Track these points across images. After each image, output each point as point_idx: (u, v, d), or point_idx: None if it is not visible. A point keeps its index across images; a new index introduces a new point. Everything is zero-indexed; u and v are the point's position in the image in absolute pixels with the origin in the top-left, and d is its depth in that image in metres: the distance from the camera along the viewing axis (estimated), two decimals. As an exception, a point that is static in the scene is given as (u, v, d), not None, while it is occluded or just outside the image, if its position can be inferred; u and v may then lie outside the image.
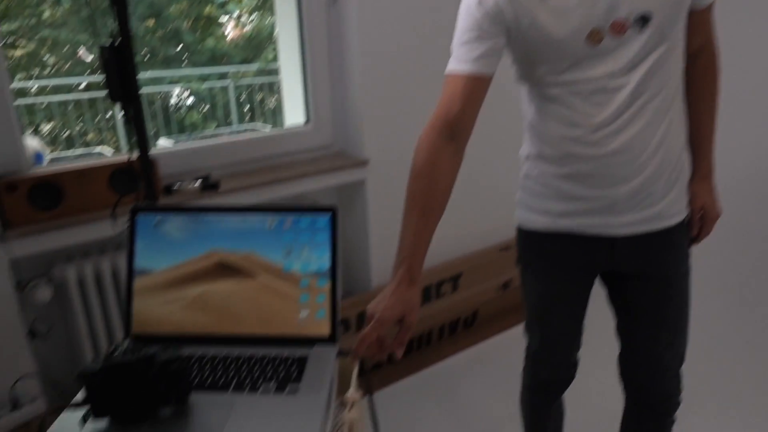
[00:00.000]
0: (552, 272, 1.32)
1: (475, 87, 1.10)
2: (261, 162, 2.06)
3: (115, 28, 1.26)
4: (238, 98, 5.96)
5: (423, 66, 2.17)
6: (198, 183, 1.79)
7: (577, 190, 1.21)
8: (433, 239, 1.06)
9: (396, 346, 0.98)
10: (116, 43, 1.25)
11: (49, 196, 1.56)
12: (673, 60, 1.14)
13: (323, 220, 1.01)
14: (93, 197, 1.59)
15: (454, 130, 1.10)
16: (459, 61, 1.11)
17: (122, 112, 1.30)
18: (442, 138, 1.10)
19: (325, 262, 0.98)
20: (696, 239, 1.35)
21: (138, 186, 1.42)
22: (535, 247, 1.32)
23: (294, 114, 2.24)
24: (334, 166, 2.07)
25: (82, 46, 5.34)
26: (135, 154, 1.37)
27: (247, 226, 1.00)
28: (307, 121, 2.17)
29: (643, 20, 1.05)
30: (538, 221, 1.28)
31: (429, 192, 1.08)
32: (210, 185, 1.80)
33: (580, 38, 1.06)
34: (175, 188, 1.77)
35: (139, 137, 1.27)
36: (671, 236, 1.25)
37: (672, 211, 1.23)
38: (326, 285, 0.97)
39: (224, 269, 0.97)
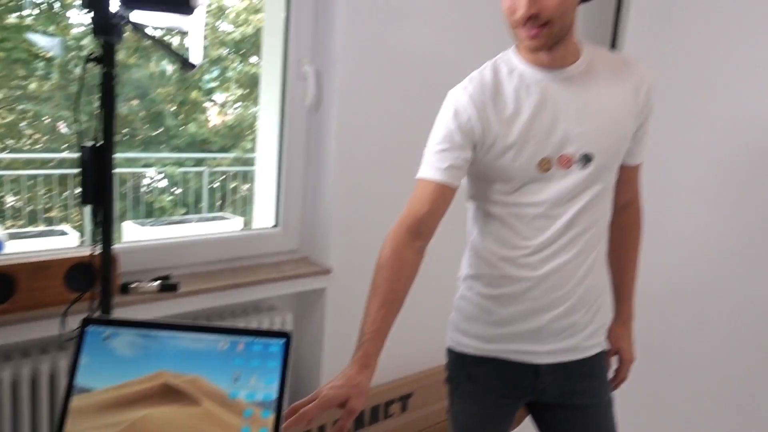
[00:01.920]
0: (478, 396, 1.36)
1: (443, 194, 1.21)
2: (225, 263, 2.05)
3: (99, 127, 1.28)
4: (211, 185, 6.01)
5: (395, 181, 2.23)
6: (157, 283, 1.77)
7: (507, 314, 1.29)
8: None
9: None
10: (98, 145, 1.27)
11: (0, 289, 1.52)
12: (604, 202, 1.30)
13: (276, 345, 1.00)
14: (46, 293, 1.54)
15: (419, 229, 1.20)
16: (430, 168, 1.23)
17: (92, 214, 1.31)
18: (408, 235, 1.20)
19: (273, 392, 0.97)
20: (613, 383, 1.43)
21: (94, 285, 1.40)
22: (463, 369, 1.37)
23: (263, 212, 2.27)
24: (298, 272, 2.07)
25: (63, 121, 5.39)
26: (96, 250, 1.36)
27: (199, 346, 0.99)
28: (276, 224, 2.19)
29: (586, 159, 1.22)
30: (468, 345, 1.34)
31: (391, 283, 1.16)
32: (169, 286, 1.78)
33: (532, 163, 1.21)
34: (132, 287, 1.74)
35: (105, 242, 1.27)
36: (592, 366, 1.34)
37: (592, 342, 1.33)
38: (270, 417, 0.95)
39: (169, 392, 0.95)
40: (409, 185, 2.31)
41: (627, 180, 1.39)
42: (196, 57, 1.07)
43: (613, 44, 2.48)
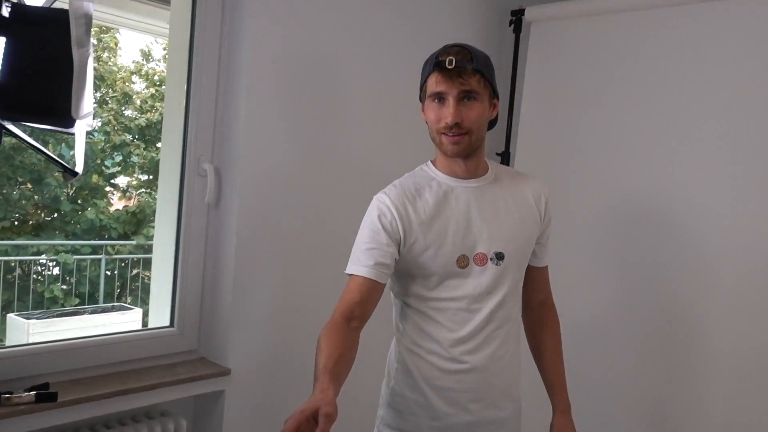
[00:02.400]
0: None
1: (371, 288, 1.34)
2: (113, 366, 1.92)
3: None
4: (110, 273, 5.71)
5: (296, 280, 2.21)
6: (32, 393, 1.62)
7: (440, 407, 1.38)
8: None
9: None
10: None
11: None
12: (516, 299, 1.46)
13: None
14: None
15: (353, 315, 1.31)
16: (359, 266, 1.35)
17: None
18: (343, 318, 1.30)
19: None
20: None
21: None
22: None
23: (160, 309, 2.16)
24: (194, 375, 1.96)
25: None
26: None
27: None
28: (171, 324, 2.09)
29: (499, 256, 1.39)
30: None
31: (332, 343, 1.26)
32: (46, 396, 1.63)
33: (452, 260, 1.36)
34: (5, 398, 1.59)
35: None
36: None
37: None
38: None
39: None
40: (310, 285, 2.30)
41: (538, 280, 1.57)
42: (78, 165, 1.04)
43: (507, 147, 2.68)
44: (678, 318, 2.24)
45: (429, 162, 1.48)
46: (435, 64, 1.33)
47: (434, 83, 1.33)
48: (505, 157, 2.66)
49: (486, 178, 1.44)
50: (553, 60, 2.62)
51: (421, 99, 1.42)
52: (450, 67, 1.29)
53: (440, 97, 1.33)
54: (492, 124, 1.43)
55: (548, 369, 1.57)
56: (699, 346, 2.20)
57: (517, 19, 2.70)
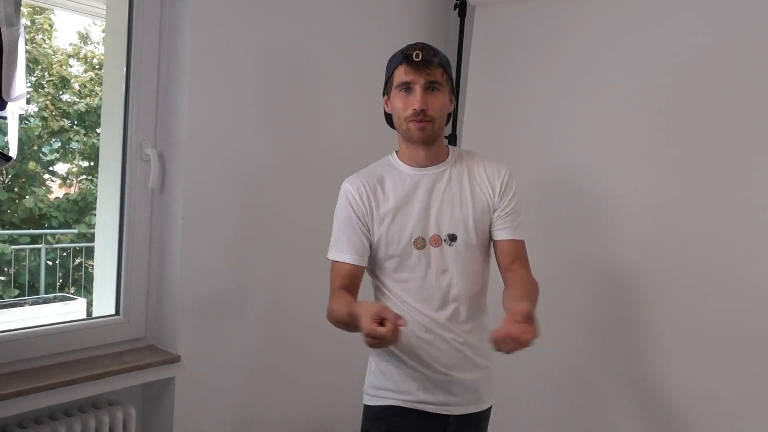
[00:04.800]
0: None
1: (356, 271, 1.55)
2: (57, 357, 1.87)
3: None
4: (51, 263, 5.53)
5: (245, 264, 2.20)
6: (-29, 387, 1.57)
7: (415, 368, 1.53)
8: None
9: (392, 326, 1.22)
10: None
11: None
12: (475, 278, 1.56)
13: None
14: None
15: (347, 289, 1.52)
16: (340, 252, 1.55)
17: None
18: (340, 290, 1.51)
19: None
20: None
21: None
22: (384, 422, 1.57)
23: (104, 297, 2.12)
24: (142, 363, 1.94)
25: None
26: None
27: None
28: (117, 312, 2.05)
29: (452, 238, 1.53)
30: (390, 398, 1.56)
31: (351, 301, 1.45)
32: (-14, 389, 1.59)
33: (409, 241, 1.52)
34: (-60, 393, 1.53)
35: None
36: (483, 420, 1.64)
37: (485, 397, 1.62)
38: None
39: None
40: (258, 270, 2.30)
41: (507, 252, 1.58)
42: (12, 149, 1.00)
43: (453, 130, 2.72)
44: (617, 278, 2.38)
45: (393, 153, 1.63)
46: (403, 57, 1.48)
47: (402, 74, 1.48)
48: (452, 140, 2.70)
49: (446, 163, 1.59)
50: (498, 43, 2.66)
51: (386, 91, 1.57)
52: (417, 59, 1.45)
53: (407, 87, 1.48)
54: (450, 116, 1.59)
55: (511, 295, 1.47)
56: (639, 305, 2.32)
57: (461, 2, 2.73)
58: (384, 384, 1.59)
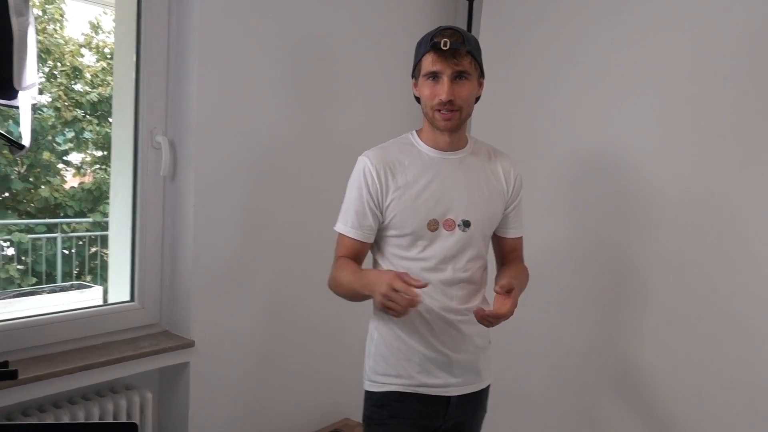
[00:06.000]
0: (401, 429, 1.58)
1: (361, 247, 1.56)
2: (74, 342, 1.91)
3: None
4: (68, 252, 5.59)
5: (257, 249, 2.22)
6: (-9, 372, 1.60)
7: (415, 349, 1.55)
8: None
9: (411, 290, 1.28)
10: None
11: None
12: (479, 267, 1.60)
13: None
14: None
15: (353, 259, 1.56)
16: (348, 226, 1.55)
17: None
18: (345, 258, 1.55)
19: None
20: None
21: None
22: (386, 407, 1.58)
23: (119, 284, 2.15)
24: (157, 348, 1.97)
25: None
26: None
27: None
28: (132, 298, 2.08)
29: (466, 224, 1.54)
30: (391, 383, 1.57)
31: (355, 269, 1.51)
32: (7, 374, 1.62)
33: (423, 223, 1.52)
34: (-38, 377, 1.57)
35: None
36: (483, 398, 1.68)
37: (484, 376, 1.65)
38: None
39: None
40: (270, 254, 2.32)
41: (510, 250, 1.70)
42: (25, 138, 1.02)
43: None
44: (628, 272, 2.36)
45: (414, 131, 1.61)
46: (431, 45, 1.44)
47: (430, 63, 1.45)
48: (462, 124, 2.69)
49: (464, 151, 1.59)
50: (507, 26, 2.64)
51: (414, 76, 1.54)
52: (445, 48, 1.42)
53: (435, 76, 1.46)
54: (477, 99, 1.55)
55: (503, 271, 1.66)
56: (642, 295, 2.31)
57: (470, -15, 2.71)
58: (384, 369, 1.59)
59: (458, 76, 1.45)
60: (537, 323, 2.52)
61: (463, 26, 2.75)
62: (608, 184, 2.39)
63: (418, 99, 1.57)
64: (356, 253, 1.56)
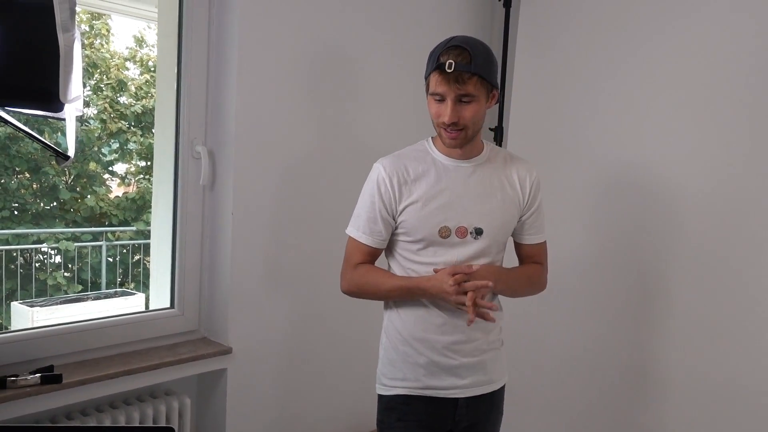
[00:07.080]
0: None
1: (372, 253, 1.59)
2: (116, 348, 1.95)
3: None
4: (112, 260, 5.75)
5: (293, 258, 2.24)
6: (38, 375, 1.66)
7: (426, 355, 1.56)
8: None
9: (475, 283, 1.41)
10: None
11: None
12: (495, 263, 1.59)
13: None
14: None
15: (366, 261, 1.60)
16: (360, 231, 1.58)
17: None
18: (368, 265, 1.59)
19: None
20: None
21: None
22: (395, 411, 1.60)
23: (160, 291, 2.20)
24: (196, 354, 2.00)
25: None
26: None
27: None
28: (172, 305, 2.12)
29: (478, 232, 1.54)
30: (398, 387, 1.59)
31: (386, 272, 1.59)
32: (52, 378, 1.67)
33: (435, 229, 1.52)
34: (11, 381, 1.63)
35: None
36: (496, 400, 1.67)
37: (495, 377, 1.65)
38: None
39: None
40: (307, 262, 2.32)
41: (528, 255, 1.69)
42: (70, 149, 1.06)
43: (500, 122, 2.68)
44: (653, 275, 2.31)
45: (429, 138, 1.62)
46: (436, 65, 1.42)
47: (435, 83, 1.44)
48: (498, 132, 2.68)
49: (479, 158, 1.58)
50: (544, 33, 2.62)
51: (427, 90, 1.51)
52: (449, 71, 1.39)
53: (440, 96, 1.45)
54: (499, 105, 1.61)
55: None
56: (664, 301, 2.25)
57: (507, -7, 2.69)
58: (392, 373, 1.61)
59: (462, 98, 1.43)
60: (559, 325, 2.53)
61: (500, 33, 2.74)
62: (635, 187, 2.36)
63: None
64: (371, 258, 1.59)
